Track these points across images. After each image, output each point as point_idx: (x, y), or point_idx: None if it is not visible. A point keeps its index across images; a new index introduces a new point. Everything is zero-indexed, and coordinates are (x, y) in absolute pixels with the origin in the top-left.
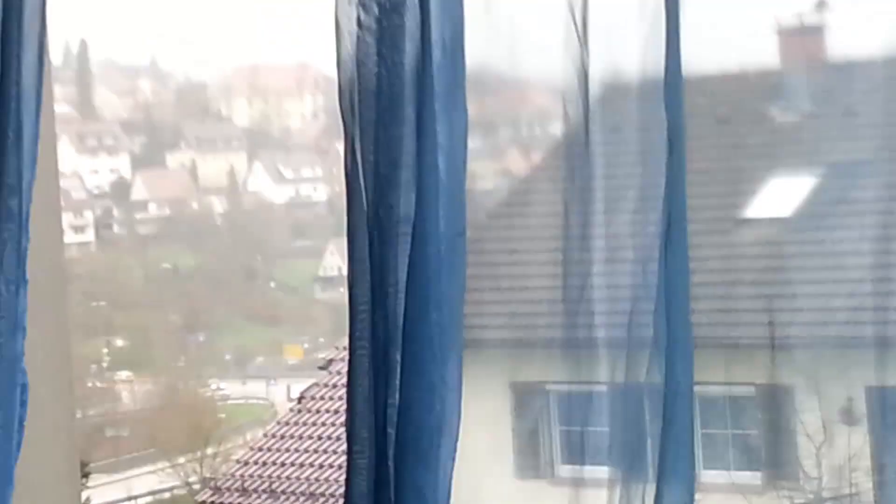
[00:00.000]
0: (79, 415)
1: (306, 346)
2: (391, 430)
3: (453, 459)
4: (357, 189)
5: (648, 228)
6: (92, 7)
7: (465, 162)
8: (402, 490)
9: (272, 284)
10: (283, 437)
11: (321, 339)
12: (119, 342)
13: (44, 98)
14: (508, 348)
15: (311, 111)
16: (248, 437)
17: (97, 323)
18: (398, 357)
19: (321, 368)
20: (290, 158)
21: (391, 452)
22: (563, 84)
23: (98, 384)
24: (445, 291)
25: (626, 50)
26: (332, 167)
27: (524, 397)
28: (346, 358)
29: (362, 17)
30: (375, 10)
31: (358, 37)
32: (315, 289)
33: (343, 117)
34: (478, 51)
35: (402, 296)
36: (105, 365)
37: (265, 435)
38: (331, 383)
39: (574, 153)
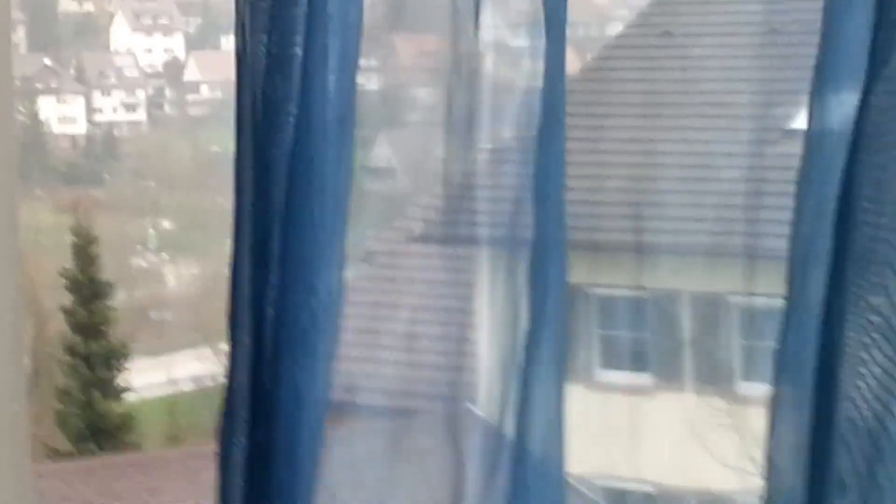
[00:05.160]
0: (123, 296)
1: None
2: (269, 322)
3: (333, 357)
4: (246, 70)
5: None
6: None
7: (357, 43)
8: (278, 387)
9: None
10: None
11: (367, 231)
12: (166, 224)
13: None
14: None
15: None
16: None
17: (144, 203)
18: (277, 244)
19: (363, 260)
20: None
21: (267, 346)
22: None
23: (143, 265)
24: (328, 179)
25: None
26: (387, 58)
27: None
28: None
29: None
30: None
31: None
32: (363, 179)
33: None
34: None
35: (283, 181)
36: (151, 246)
37: None
38: (370, 275)
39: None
